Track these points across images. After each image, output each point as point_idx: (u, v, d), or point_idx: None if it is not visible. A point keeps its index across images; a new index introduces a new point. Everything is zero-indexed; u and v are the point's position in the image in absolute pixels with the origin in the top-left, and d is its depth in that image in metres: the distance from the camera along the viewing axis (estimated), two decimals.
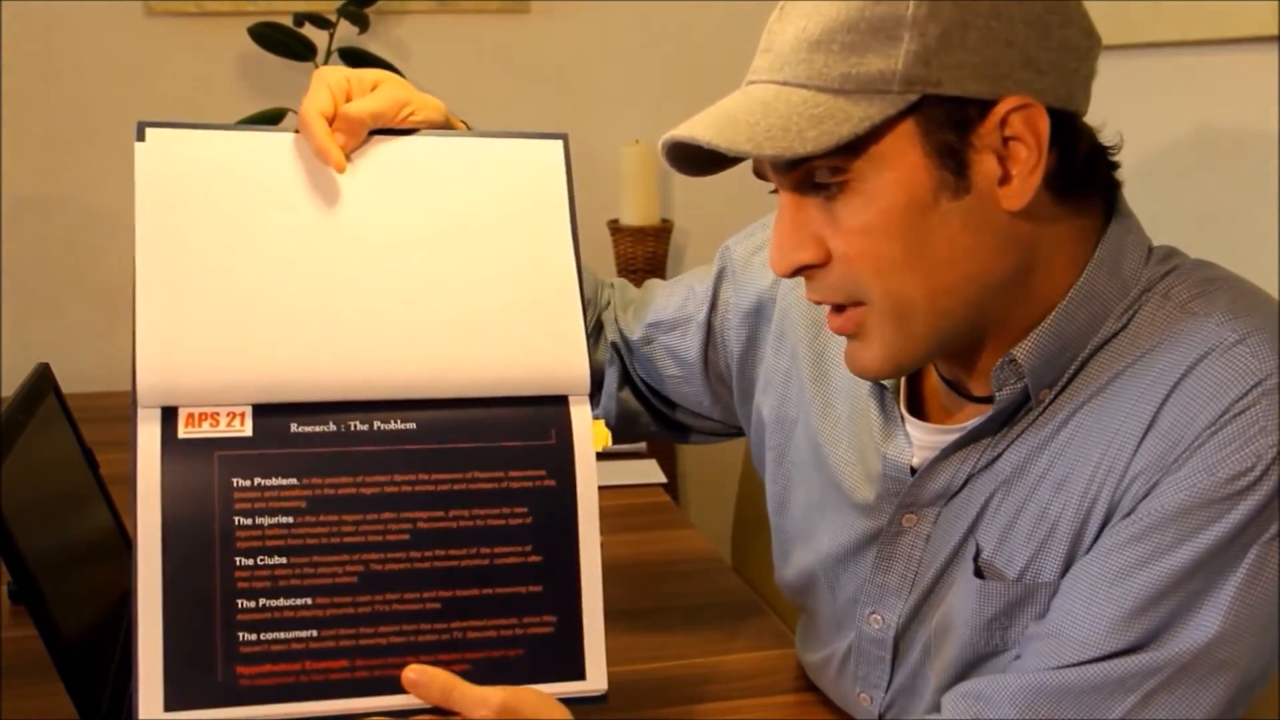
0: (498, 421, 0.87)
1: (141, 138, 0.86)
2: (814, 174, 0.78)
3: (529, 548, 0.85)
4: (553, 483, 0.86)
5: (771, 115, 0.76)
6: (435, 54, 2.34)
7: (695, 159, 0.81)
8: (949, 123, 0.75)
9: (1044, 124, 0.75)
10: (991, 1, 0.73)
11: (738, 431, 1.14)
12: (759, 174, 0.82)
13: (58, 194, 2.23)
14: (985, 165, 0.76)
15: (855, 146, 0.75)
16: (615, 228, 2.36)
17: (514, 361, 0.88)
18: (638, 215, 2.34)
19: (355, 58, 2.16)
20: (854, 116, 0.74)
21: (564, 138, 0.94)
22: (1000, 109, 0.75)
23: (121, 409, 0.82)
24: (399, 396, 0.85)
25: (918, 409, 0.91)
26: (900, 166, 0.75)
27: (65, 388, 1.02)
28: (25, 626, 0.86)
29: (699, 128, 0.77)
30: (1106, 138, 0.82)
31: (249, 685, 0.78)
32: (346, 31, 2.17)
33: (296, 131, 0.89)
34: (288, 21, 2.13)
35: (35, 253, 2.23)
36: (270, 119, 2.11)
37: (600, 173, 2.32)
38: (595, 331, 1.15)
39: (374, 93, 0.91)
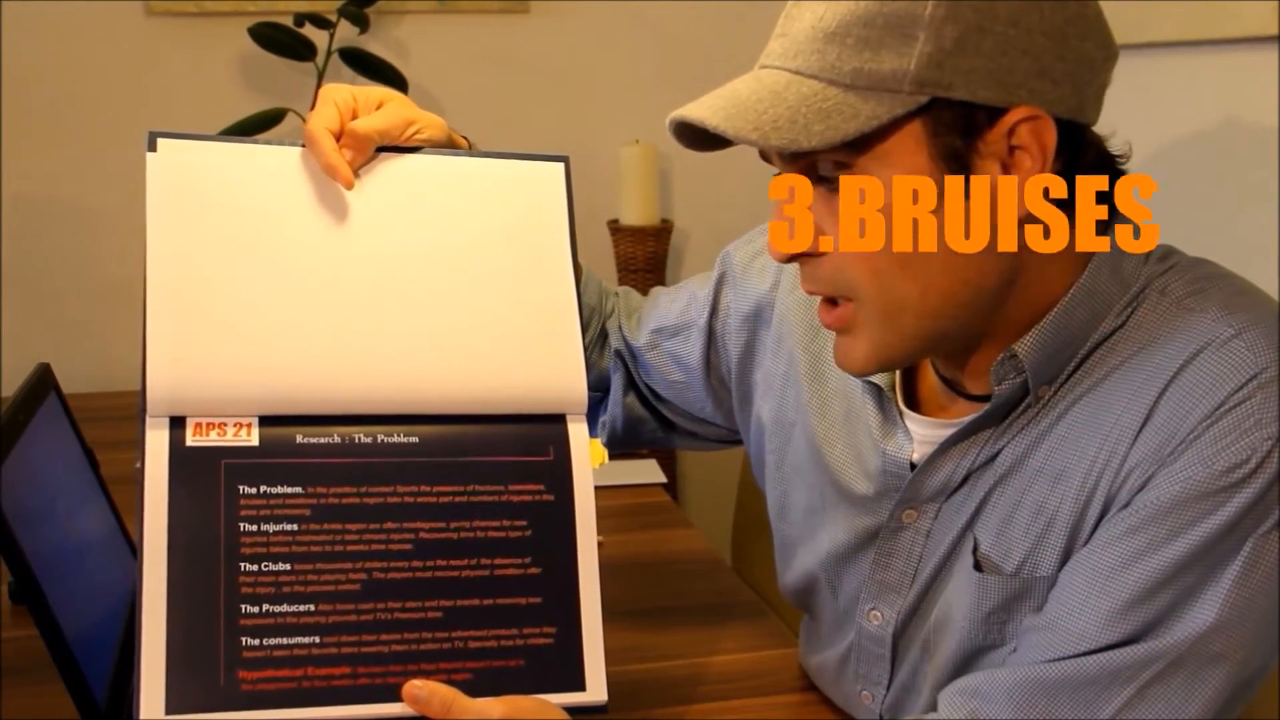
0: (498, 437, 0.88)
1: (153, 148, 0.86)
2: (818, 166, 0.78)
3: (528, 560, 0.86)
4: (551, 497, 0.88)
5: (780, 105, 0.75)
6: (435, 54, 2.34)
7: (701, 137, 0.80)
8: (957, 127, 0.74)
9: (1051, 137, 0.74)
10: (1011, 8, 0.73)
11: (741, 439, 1.14)
12: (764, 157, 0.82)
13: (58, 194, 2.23)
14: (988, 171, 0.76)
15: (861, 143, 0.75)
16: (615, 228, 2.36)
17: (514, 380, 0.89)
18: (637, 215, 2.34)
19: (355, 58, 2.16)
20: (862, 113, 0.74)
21: (565, 160, 0.95)
22: (1010, 118, 0.74)
23: (121, 409, 0.82)
24: (402, 411, 0.87)
25: (914, 406, 0.91)
26: (904, 167, 0.75)
27: (65, 388, 1.02)
28: (25, 626, 0.86)
29: (708, 111, 0.77)
30: (1115, 146, 0.81)
31: (251, 690, 0.79)
32: (346, 31, 2.17)
33: (303, 146, 0.89)
34: (288, 21, 2.13)
35: (35, 253, 2.23)
36: (270, 119, 2.11)
37: (600, 173, 2.32)
38: (600, 339, 1.15)
39: (380, 111, 0.92)
